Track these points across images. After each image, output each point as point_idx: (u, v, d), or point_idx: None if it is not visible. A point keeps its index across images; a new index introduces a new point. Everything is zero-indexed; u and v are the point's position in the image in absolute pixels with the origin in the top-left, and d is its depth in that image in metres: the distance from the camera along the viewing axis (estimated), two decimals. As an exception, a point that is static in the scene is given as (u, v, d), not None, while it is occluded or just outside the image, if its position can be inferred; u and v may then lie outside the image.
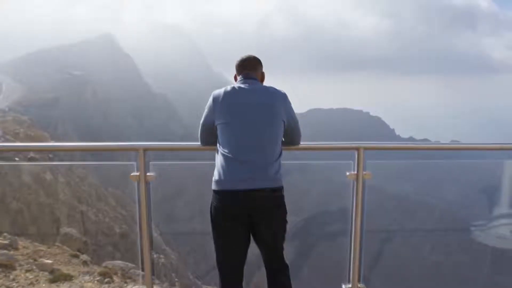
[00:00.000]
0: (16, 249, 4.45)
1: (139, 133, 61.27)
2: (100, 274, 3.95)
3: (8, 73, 56.92)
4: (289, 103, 2.51)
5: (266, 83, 2.65)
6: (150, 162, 2.91)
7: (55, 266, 3.93)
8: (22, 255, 4.17)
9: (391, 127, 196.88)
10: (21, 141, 16.68)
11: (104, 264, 4.63)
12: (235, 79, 2.63)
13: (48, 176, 14.25)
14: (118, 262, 4.54)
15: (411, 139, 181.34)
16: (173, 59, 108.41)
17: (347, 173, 3.01)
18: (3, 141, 15.14)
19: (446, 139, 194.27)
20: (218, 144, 2.45)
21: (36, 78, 53.49)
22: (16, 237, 4.81)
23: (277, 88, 2.52)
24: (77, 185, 16.47)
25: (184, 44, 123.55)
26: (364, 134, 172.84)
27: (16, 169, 13.49)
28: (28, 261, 3.96)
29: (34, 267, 3.81)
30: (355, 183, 3.00)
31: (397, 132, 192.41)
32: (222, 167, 2.34)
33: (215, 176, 2.37)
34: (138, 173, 2.83)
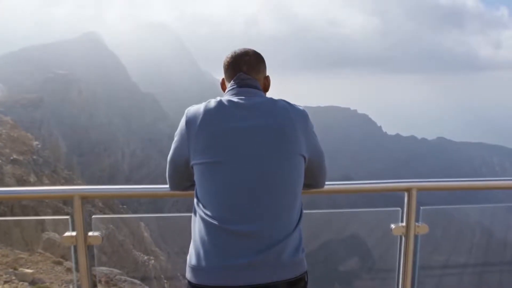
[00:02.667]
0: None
1: (125, 133, 60.59)
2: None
3: (-10, 73, 55.52)
4: (312, 126, 1.60)
5: None
6: (94, 216, 2.12)
7: (36, 276, 3.74)
8: (1, 264, 3.96)
9: (378, 124, 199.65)
10: (4, 142, 16.23)
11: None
12: (223, 87, 1.71)
13: (32, 178, 13.91)
14: (103, 269, 4.36)
15: (397, 136, 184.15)
16: (160, 58, 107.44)
17: (392, 226, 2.14)
18: (-16, 143, 14.69)
19: (432, 136, 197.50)
20: (195, 199, 1.51)
21: (19, 77, 52.36)
22: (48, 217, 4.57)
23: (290, 102, 1.60)
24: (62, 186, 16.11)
25: (171, 42, 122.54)
26: (352, 132, 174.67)
27: (-2, 171, 13.13)
28: (8, 270, 3.76)
29: (14, 278, 3.61)
30: (404, 239, 2.14)
31: (384, 129, 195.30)
32: (203, 242, 1.42)
33: (191, 258, 1.45)
34: (73, 233, 1.97)
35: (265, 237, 1.40)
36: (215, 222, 1.41)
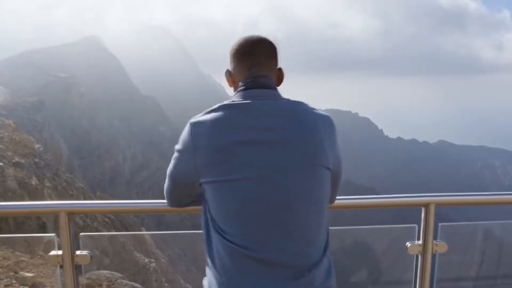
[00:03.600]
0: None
1: (126, 136, 60.66)
2: (86, 286, 3.77)
3: (-8, 76, 55.70)
4: (336, 134, 1.44)
5: None
6: (81, 234, 1.97)
7: (37, 279, 3.74)
8: (1, 267, 3.96)
9: (380, 127, 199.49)
10: (6, 145, 16.26)
11: (87, 275, 4.45)
12: (232, 78, 1.45)
13: (34, 181, 13.92)
14: (104, 272, 4.36)
15: (399, 139, 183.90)
16: (160, 61, 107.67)
17: (408, 244, 1.97)
18: (-14, 146, 14.73)
19: (434, 139, 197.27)
20: (208, 217, 1.33)
21: (20, 81, 52.50)
22: (33, 235, 4.57)
23: (309, 104, 1.41)
24: (64, 189, 16.14)
25: (171, 45, 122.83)
26: (353, 135, 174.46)
27: (0, 175, 13.16)
28: (8, 274, 3.76)
29: (14, 281, 3.60)
30: (421, 258, 1.98)
31: (385, 133, 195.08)
32: (225, 269, 1.25)
33: (211, 285, 1.29)
34: (60, 252, 1.84)
35: (295, 265, 1.24)
36: (238, 247, 1.23)
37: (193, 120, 1.35)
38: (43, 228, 10.64)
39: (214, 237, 1.29)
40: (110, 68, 73.37)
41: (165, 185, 1.52)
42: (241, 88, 1.39)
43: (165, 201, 1.64)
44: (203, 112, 1.35)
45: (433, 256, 1.97)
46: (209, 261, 1.31)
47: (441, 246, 1.98)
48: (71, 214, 1.88)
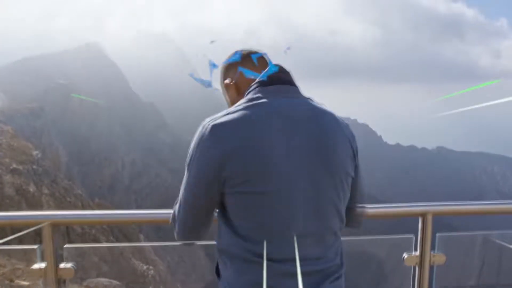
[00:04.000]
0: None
1: (126, 142, 60.64)
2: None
3: (-8, 82, 55.86)
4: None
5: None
6: (65, 246, 1.90)
7: (33, 288, 3.69)
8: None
9: (378, 134, 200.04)
10: (4, 152, 16.23)
11: (85, 283, 4.39)
12: (238, 93, 1.31)
13: (32, 188, 13.87)
14: (102, 280, 4.31)
15: (397, 145, 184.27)
16: (160, 68, 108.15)
17: (405, 255, 1.91)
18: (-16, 152, 14.70)
19: (432, 146, 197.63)
20: (229, 232, 1.19)
21: (20, 87, 52.57)
22: (15, 247, 4.49)
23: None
24: (62, 196, 16.07)
25: (172, 52, 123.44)
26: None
27: (-2, 181, 13.12)
28: (3, 282, 3.70)
29: (10, 290, 3.54)
30: (418, 270, 1.92)
31: (384, 139, 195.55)
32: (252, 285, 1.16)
33: None
34: (43, 265, 1.77)
35: (321, 269, 1.21)
36: (280, 265, 1.14)
37: (212, 122, 1.15)
38: (40, 236, 10.56)
39: (243, 254, 1.15)
40: (110, 74, 73.58)
41: (178, 213, 1.24)
42: (256, 85, 1.22)
43: (152, 211, 1.52)
44: (223, 113, 1.17)
45: (431, 267, 1.91)
46: (232, 278, 1.18)
47: (439, 257, 1.92)
48: (54, 225, 1.79)
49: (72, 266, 1.80)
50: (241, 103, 1.18)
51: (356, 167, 1.31)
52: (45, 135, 38.17)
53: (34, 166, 15.96)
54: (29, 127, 34.68)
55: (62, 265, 1.79)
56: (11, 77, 57.92)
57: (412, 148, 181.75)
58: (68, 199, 16.18)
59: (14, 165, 14.40)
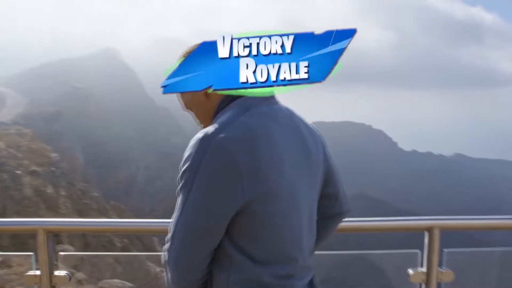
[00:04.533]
0: (10, 266, 4.27)
1: (141, 146, 61.40)
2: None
3: (13, 87, 57.49)
4: None
5: None
6: (60, 253, 1.93)
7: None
8: (15, 273, 4.00)
9: (394, 140, 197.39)
10: (23, 154, 16.63)
11: (100, 284, 4.47)
12: (209, 102, 1.14)
13: (50, 190, 14.17)
14: (116, 281, 4.38)
15: (413, 152, 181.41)
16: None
17: (410, 271, 1.83)
18: (5, 154, 15.12)
19: (449, 152, 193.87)
20: (239, 254, 1.04)
21: (40, 91, 53.88)
22: (10, 253, 4.62)
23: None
24: (78, 198, 16.36)
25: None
26: (367, 147, 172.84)
27: (17, 182, 13.46)
28: (21, 281, 3.79)
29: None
30: (425, 287, 1.84)
31: (400, 146, 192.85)
32: None
33: None
34: (38, 273, 1.75)
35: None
36: (300, 282, 1.12)
37: (219, 135, 0.99)
38: (57, 236, 10.77)
39: (257, 278, 1.03)
40: (125, 79, 74.78)
41: (179, 255, 1.03)
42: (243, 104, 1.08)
43: (151, 220, 1.49)
44: (223, 125, 1.02)
45: (438, 285, 1.81)
46: None
47: (447, 274, 1.81)
48: (49, 232, 1.77)
49: (67, 274, 1.79)
50: (237, 112, 1.05)
51: (332, 172, 1.26)
52: (63, 138, 38.98)
53: (52, 168, 16.32)
54: (47, 130, 35.48)
55: (56, 273, 1.78)
56: (31, 82, 59.45)
57: (428, 154, 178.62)
58: (85, 201, 16.46)
59: (33, 167, 14.76)
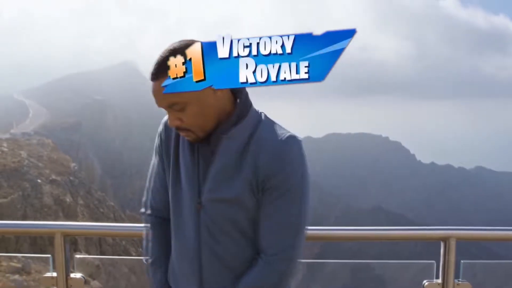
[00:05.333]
0: (29, 273, 4.36)
1: (158, 156, 62.11)
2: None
3: (35, 99, 59.34)
4: None
5: (279, 109, 1.34)
6: (76, 256, 1.95)
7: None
8: (33, 280, 4.08)
9: (412, 152, 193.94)
10: (44, 163, 17.05)
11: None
12: (220, 101, 1.11)
13: (68, 198, 14.46)
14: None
15: (432, 164, 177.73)
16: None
17: (425, 283, 1.82)
18: (27, 163, 15.53)
19: (470, 165, 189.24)
20: None
21: (60, 103, 55.41)
22: (29, 260, 4.72)
23: None
24: (95, 207, 16.62)
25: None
26: (383, 160, 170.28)
27: (38, 191, 13.80)
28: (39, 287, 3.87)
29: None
30: None
31: (417, 157, 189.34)
32: None
33: None
34: (54, 274, 1.83)
35: None
36: None
37: (298, 137, 1.11)
38: (74, 244, 10.95)
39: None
40: (143, 91, 76.17)
41: (299, 254, 1.12)
42: (248, 101, 1.14)
43: None
44: (283, 127, 1.13)
45: None
46: None
47: (464, 287, 1.78)
48: (66, 235, 1.83)
49: (82, 276, 1.84)
50: (264, 116, 1.13)
51: None
52: (81, 148, 39.82)
53: (71, 178, 16.66)
54: (67, 141, 36.33)
55: (72, 275, 1.83)
56: (52, 94, 61.19)
57: (448, 167, 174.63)
58: (101, 210, 16.71)
59: (53, 176, 15.12)
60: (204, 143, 1.11)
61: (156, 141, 1.25)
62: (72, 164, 19.04)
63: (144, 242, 1.33)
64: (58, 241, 1.79)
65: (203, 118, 1.09)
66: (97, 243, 13.16)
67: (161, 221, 1.28)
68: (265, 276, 1.08)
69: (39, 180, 14.02)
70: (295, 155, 1.07)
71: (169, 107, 1.09)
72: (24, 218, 11.31)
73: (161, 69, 1.04)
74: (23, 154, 16.59)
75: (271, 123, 1.12)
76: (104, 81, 70.13)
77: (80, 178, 18.24)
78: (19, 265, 4.78)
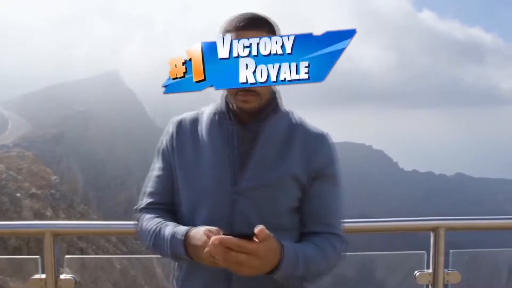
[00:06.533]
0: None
1: (142, 167, 61.30)
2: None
3: (15, 110, 58.04)
4: None
5: None
6: (66, 256, 1.91)
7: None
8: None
9: (394, 160, 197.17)
10: (24, 176, 16.64)
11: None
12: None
13: (49, 212, 14.10)
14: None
15: (414, 172, 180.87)
16: (177, 95, 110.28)
17: (417, 273, 1.83)
18: (5, 177, 15.11)
19: (451, 172, 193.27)
20: None
21: (41, 114, 54.33)
22: (8, 278, 4.55)
23: None
24: (77, 221, 16.26)
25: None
26: (367, 168, 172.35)
27: (17, 205, 13.41)
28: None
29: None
30: None
31: (400, 165, 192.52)
32: None
33: None
34: (43, 276, 1.75)
35: None
36: None
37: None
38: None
39: None
40: (127, 101, 75.48)
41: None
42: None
43: None
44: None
45: (445, 286, 1.81)
46: None
47: (454, 276, 1.80)
48: (56, 235, 1.76)
49: (73, 277, 1.77)
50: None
51: None
52: (63, 160, 39.01)
53: (52, 191, 16.27)
54: (49, 152, 35.55)
55: (62, 276, 1.76)
56: (33, 105, 60.00)
57: (430, 174, 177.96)
58: (84, 223, 16.38)
59: (33, 190, 14.73)
60: (244, 130, 1.11)
61: (166, 139, 1.22)
62: (53, 177, 18.61)
63: (138, 233, 1.22)
64: (48, 241, 1.73)
65: (269, 88, 1.11)
66: (79, 255, 12.85)
67: (161, 212, 1.20)
68: (329, 251, 1.08)
69: (18, 194, 13.64)
70: (334, 144, 1.18)
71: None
72: (1, 234, 10.97)
73: (265, 23, 1.07)
74: (1, 167, 16.13)
75: (298, 115, 1.19)
76: (87, 92, 69.23)
77: (61, 191, 17.83)
78: (-4, 284, 4.59)
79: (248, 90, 1.05)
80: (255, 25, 1.05)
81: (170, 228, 1.07)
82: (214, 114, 1.16)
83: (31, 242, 10.84)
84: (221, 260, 0.89)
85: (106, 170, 52.13)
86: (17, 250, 10.40)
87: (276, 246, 0.93)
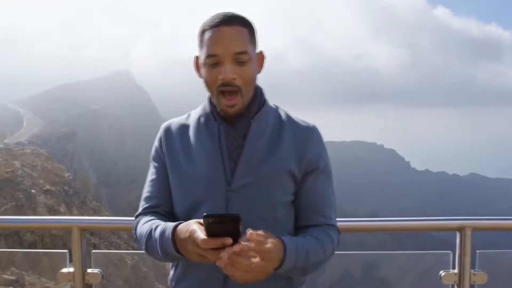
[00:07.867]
0: (23, 285, 4.32)
1: (153, 165, 61.89)
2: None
3: (30, 108, 59.10)
4: None
5: None
6: (93, 251, 1.93)
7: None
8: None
9: (406, 159, 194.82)
10: (38, 173, 16.96)
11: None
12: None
13: (63, 208, 14.36)
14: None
15: (427, 172, 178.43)
16: (187, 93, 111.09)
17: (442, 273, 1.80)
18: (21, 173, 15.44)
19: (464, 172, 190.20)
20: None
21: (55, 112, 55.19)
22: (23, 273, 4.68)
23: None
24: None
25: (198, 78, 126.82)
26: (378, 167, 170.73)
27: (32, 201, 13.69)
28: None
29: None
30: None
31: (412, 165, 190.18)
32: None
33: None
34: (71, 269, 1.78)
35: None
36: None
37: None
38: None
39: None
40: (138, 100, 76.19)
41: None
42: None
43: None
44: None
45: (471, 287, 1.78)
46: None
47: (480, 276, 1.77)
48: (83, 230, 1.81)
49: (100, 272, 1.81)
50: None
51: None
52: (76, 158, 39.58)
53: (66, 188, 16.56)
54: (62, 150, 36.12)
55: (89, 270, 1.80)
56: (47, 104, 60.99)
57: (442, 174, 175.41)
58: (96, 220, 16.61)
59: (48, 186, 15.03)
60: (231, 129, 1.13)
61: (156, 144, 1.24)
62: (67, 174, 18.93)
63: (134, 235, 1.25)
64: (75, 236, 1.77)
65: (251, 84, 1.11)
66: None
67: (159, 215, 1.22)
68: (326, 242, 1.11)
69: (33, 190, 13.93)
70: (322, 136, 1.20)
71: (237, 54, 1.07)
72: (18, 229, 11.21)
73: (238, 18, 1.10)
74: (17, 164, 16.47)
75: (284, 110, 1.21)
76: (99, 91, 70.08)
77: (74, 187, 18.13)
78: (12, 278, 4.76)
79: (230, 84, 1.06)
80: (228, 21, 1.08)
81: (160, 227, 1.08)
82: (200, 116, 1.18)
83: (45, 238, 11.07)
84: (227, 267, 0.90)
85: (117, 167, 52.73)
86: (32, 245, 10.63)
87: (279, 242, 0.95)
